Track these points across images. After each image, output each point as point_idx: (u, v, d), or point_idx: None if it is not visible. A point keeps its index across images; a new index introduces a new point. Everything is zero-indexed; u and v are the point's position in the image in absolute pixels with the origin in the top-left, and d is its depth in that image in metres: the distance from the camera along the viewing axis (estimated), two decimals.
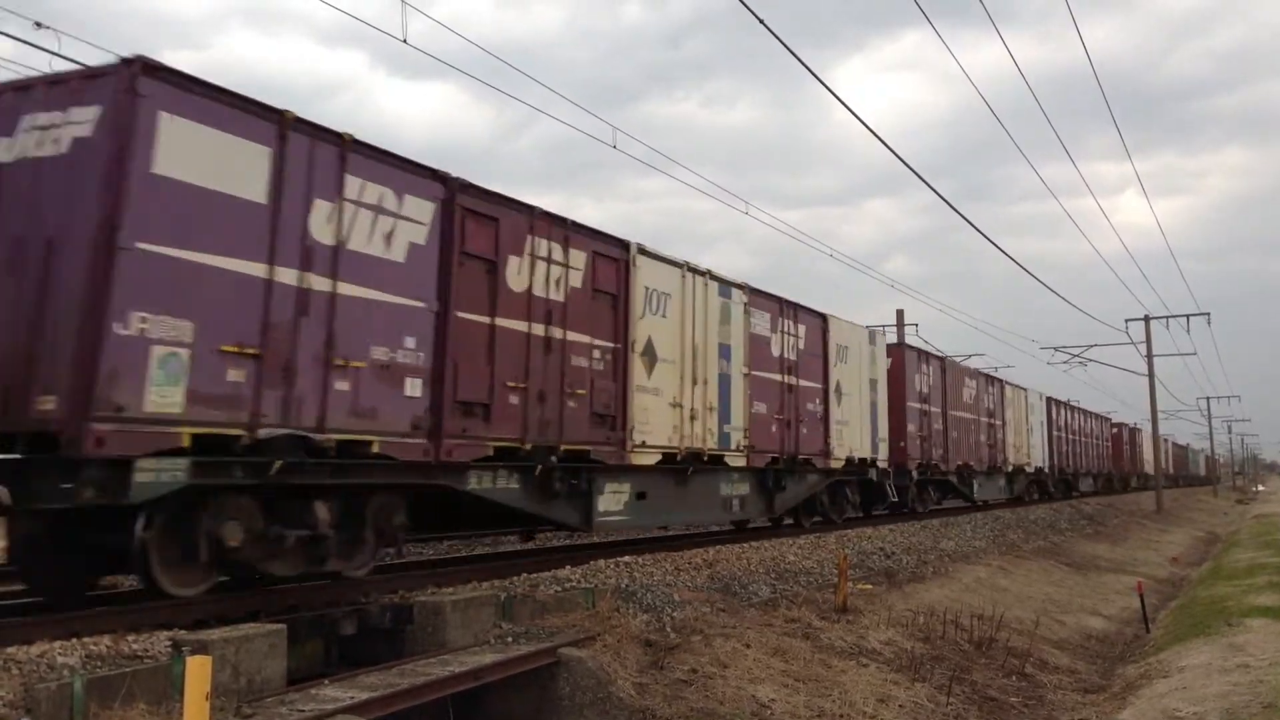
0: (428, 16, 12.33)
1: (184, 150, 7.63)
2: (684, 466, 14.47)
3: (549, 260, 11.75)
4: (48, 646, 6.31)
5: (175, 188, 7.56)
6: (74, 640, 6.53)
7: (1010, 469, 32.61)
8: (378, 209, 9.34)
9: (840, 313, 20.16)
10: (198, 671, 4.72)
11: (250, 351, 8.06)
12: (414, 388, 9.70)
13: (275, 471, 8.23)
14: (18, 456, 7.24)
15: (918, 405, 24.11)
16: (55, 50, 10.88)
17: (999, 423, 31.65)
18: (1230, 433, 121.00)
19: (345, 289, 8.92)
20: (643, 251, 13.62)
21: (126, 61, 7.43)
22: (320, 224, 8.75)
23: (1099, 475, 49.62)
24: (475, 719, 8.14)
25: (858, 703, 9.08)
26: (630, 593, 10.52)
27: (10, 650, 6.14)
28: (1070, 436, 42.53)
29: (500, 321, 10.87)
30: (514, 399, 11.01)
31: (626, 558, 12.37)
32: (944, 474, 25.77)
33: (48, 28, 11.19)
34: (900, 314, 38.48)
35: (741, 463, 15.97)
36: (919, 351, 25.84)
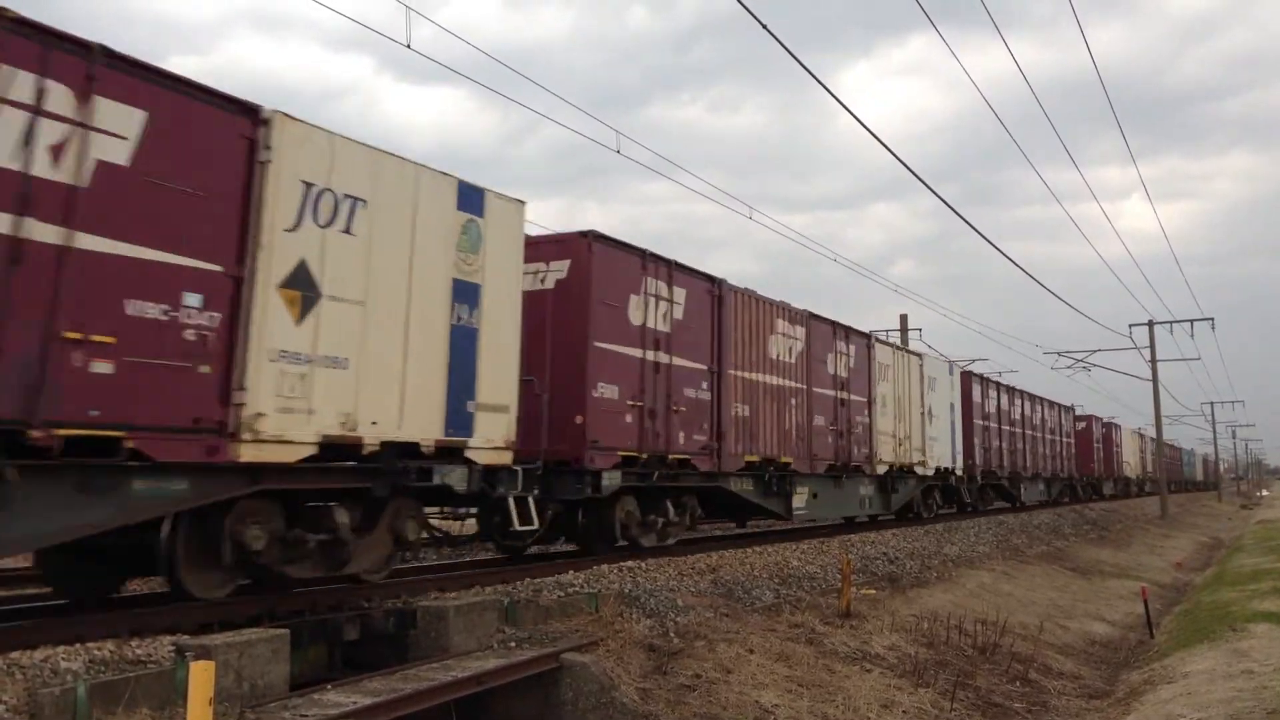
0: (432, 22, 12.35)
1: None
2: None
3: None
4: (51, 651, 6.31)
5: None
6: (77, 645, 6.54)
7: (884, 469, 22.16)
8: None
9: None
10: (201, 676, 4.72)
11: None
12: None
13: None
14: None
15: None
16: None
17: (858, 399, 21.00)
18: (1234, 438, 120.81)
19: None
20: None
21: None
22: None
23: (1054, 480, 39.82)
24: None
25: (861, 708, 9.06)
26: (633, 598, 10.51)
27: (14, 655, 6.15)
28: (1007, 429, 33.18)
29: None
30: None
31: (630, 563, 12.36)
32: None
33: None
34: (904, 319, 38.50)
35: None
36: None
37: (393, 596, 9.60)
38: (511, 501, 11.17)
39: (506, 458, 11.03)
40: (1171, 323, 46.16)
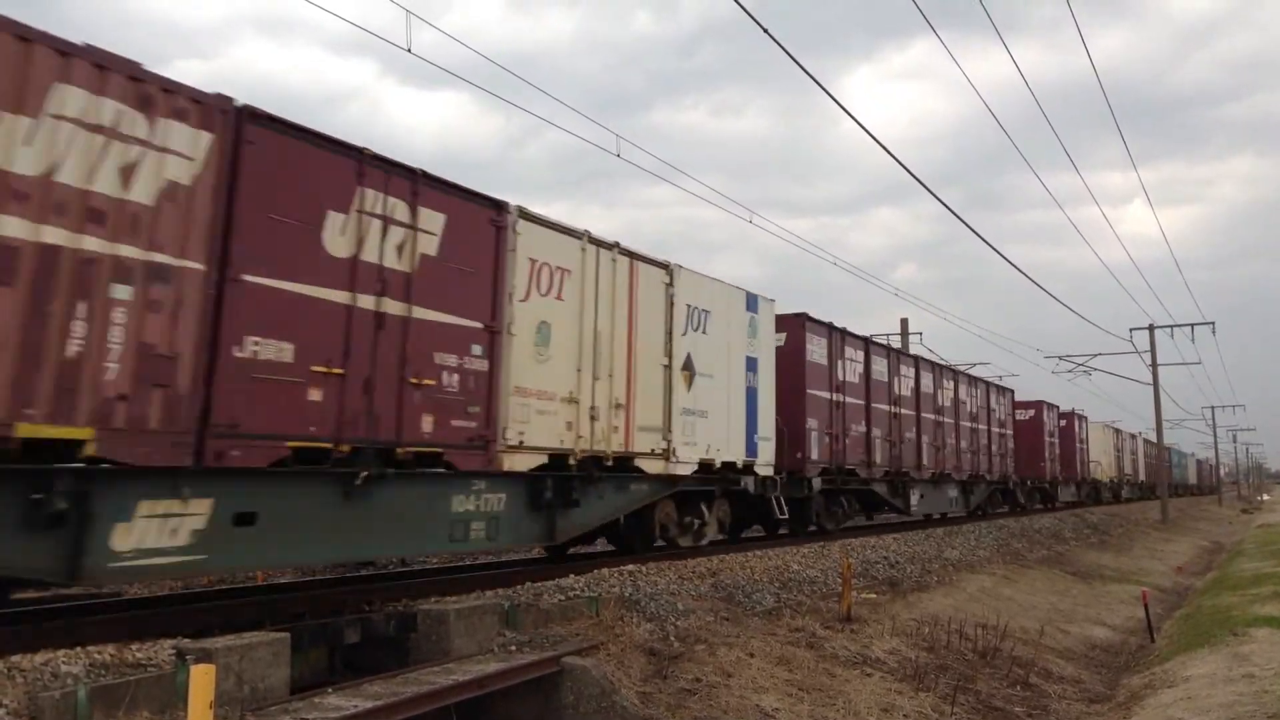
0: (434, 27, 12.37)
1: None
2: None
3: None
4: (52, 655, 6.32)
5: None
6: (78, 648, 6.54)
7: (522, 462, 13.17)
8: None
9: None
10: (201, 680, 4.72)
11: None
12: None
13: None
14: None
15: None
16: None
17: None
18: (1235, 442, 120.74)
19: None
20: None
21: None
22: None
23: (977, 482, 29.43)
24: None
25: (862, 712, 9.06)
26: (634, 601, 10.51)
27: (14, 658, 6.15)
28: (892, 412, 22.90)
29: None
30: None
31: (630, 566, 12.36)
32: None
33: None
34: (904, 322, 38.50)
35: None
36: None
37: (393, 600, 9.60)
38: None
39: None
40: (1172, 326, 46.10)
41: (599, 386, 12.54)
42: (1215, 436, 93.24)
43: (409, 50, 11.53)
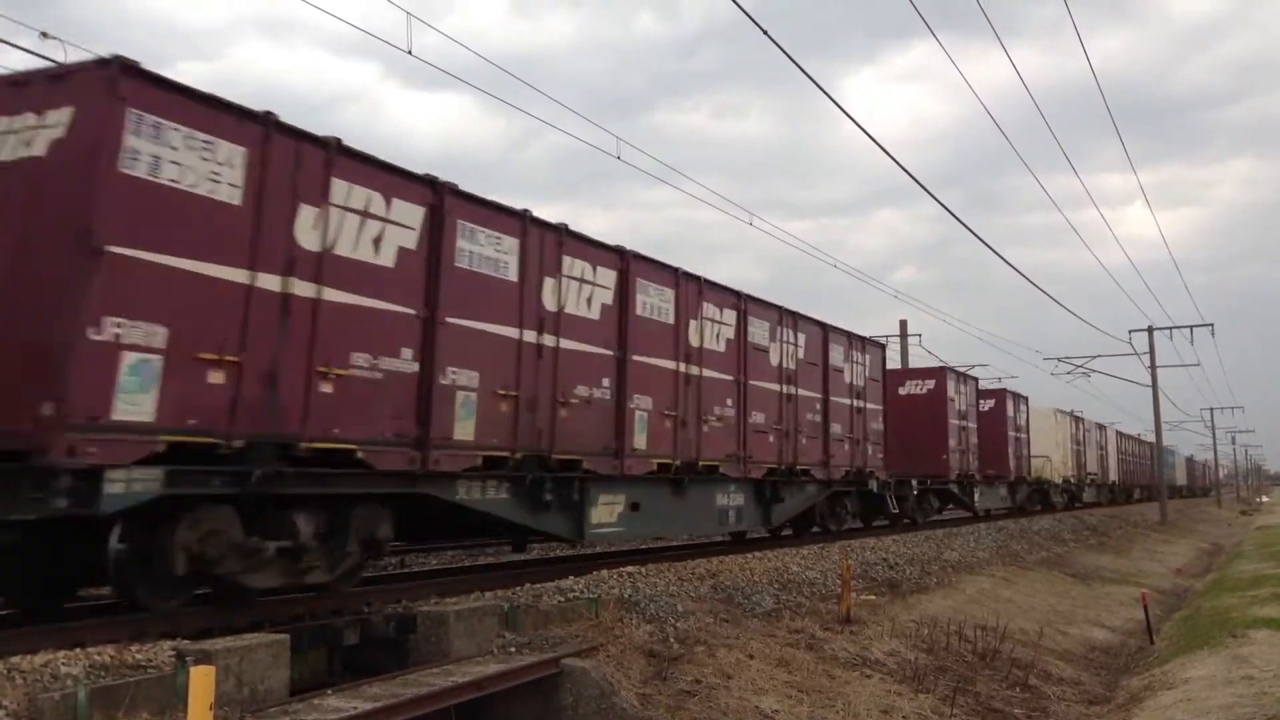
0: (435, 30, 12.38)
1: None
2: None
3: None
4: (51, 656, 6.31)
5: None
6: (78, 650, 6.54)
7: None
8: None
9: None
10: (201, 681, 4.72)
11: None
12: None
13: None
14: None
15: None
16: (61, 60, 10.93)
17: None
18: (1234, 444, 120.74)
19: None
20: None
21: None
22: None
23: (781, 479, 17.55)
24: None
25: (861, 714, 9.06)
26: (633, 603, 10.51)
27: (14, 659, 6.14)
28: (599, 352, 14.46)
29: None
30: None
31: (630, 568, 12.36)
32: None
33: (54, 38, 11.25)
34: (904, 324, 38.50)
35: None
36: None
37: (393, 601, 9.60)
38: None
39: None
40: (1171, 329, 46.13)
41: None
42: (1214, 438, 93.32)
43: (409, 52, 11.55)
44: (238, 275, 8.13)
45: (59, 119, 7.50)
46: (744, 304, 16.15)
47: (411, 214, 9.86)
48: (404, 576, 12.63)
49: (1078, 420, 43.41)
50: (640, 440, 13.25)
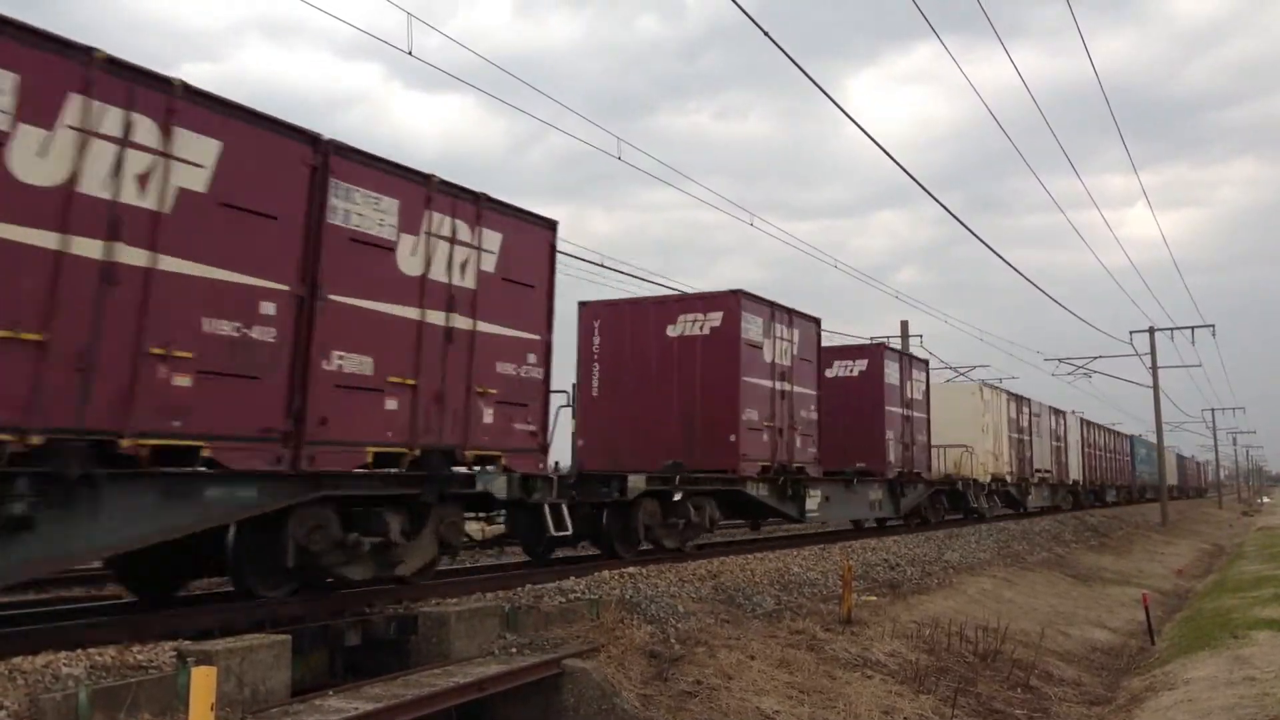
0: (438, 31, 12.39)
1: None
2: None
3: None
4: (53, 657, 6.32)
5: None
6: (79, 650, 6.54)
7: None
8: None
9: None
10: (202, 682, 4.73)
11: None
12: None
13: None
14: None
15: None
16: None
17: None
18: (1235, 445, 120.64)
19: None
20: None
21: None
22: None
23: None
24: None
25: (862, 715, 9.05)
26: (634, 604, 10.51)
27: (15, 660, 6.15)
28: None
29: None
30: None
31: (631, 569, 12.36)
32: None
33: None
34: (904, 324, 38.48)
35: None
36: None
37: (394, 602, 9.60)
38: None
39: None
40: (1172, 329, 46.05)
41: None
42: (1215, 439, 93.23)
43: (410, 53, 11.55)
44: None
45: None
46: None
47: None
48: (405, 577, 12.61)
49: (1019, 401, 33.59)
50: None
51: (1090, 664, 14.38)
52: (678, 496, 14.84)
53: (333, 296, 8.94)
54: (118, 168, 7.32)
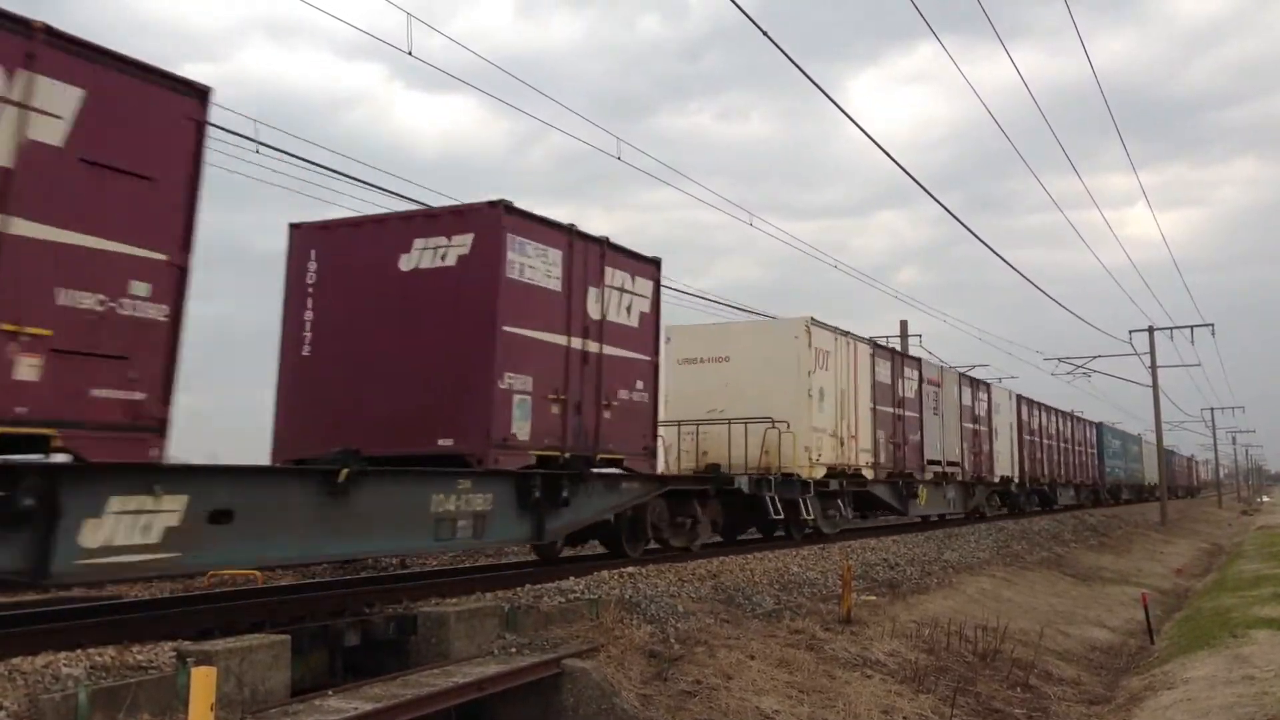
0: (439, 32, 12.39)
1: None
2: None
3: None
4: (52, 657, 6.32)
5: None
6: (79, 651, 6.54)
7: None
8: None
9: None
10: (202, 682, 4.73)
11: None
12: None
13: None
14: None
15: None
16: None
17: None
18: (1234, 444, 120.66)
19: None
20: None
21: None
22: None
23: None
24: None
25: (862, 714, 9.06)
26: (634, 604, 10.51)
27: (15, 660, 6.15)
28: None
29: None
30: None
31: (630, 569, 12.36)
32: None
33: None
34: (904, 324, 38.50)
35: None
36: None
37: (393, 602, 9.61)
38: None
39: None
40: (1172, 329, 46.05)
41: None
42: (1215, 438, 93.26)
43: (409, 53, 11.55)
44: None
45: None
46: None
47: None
48: (405, 577, 12.63)
49: (898, 360, 24.05)
50: None
51: (1089, 663, 14.39)
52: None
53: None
54: None
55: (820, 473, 18.86)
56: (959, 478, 27.31)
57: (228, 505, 7.91)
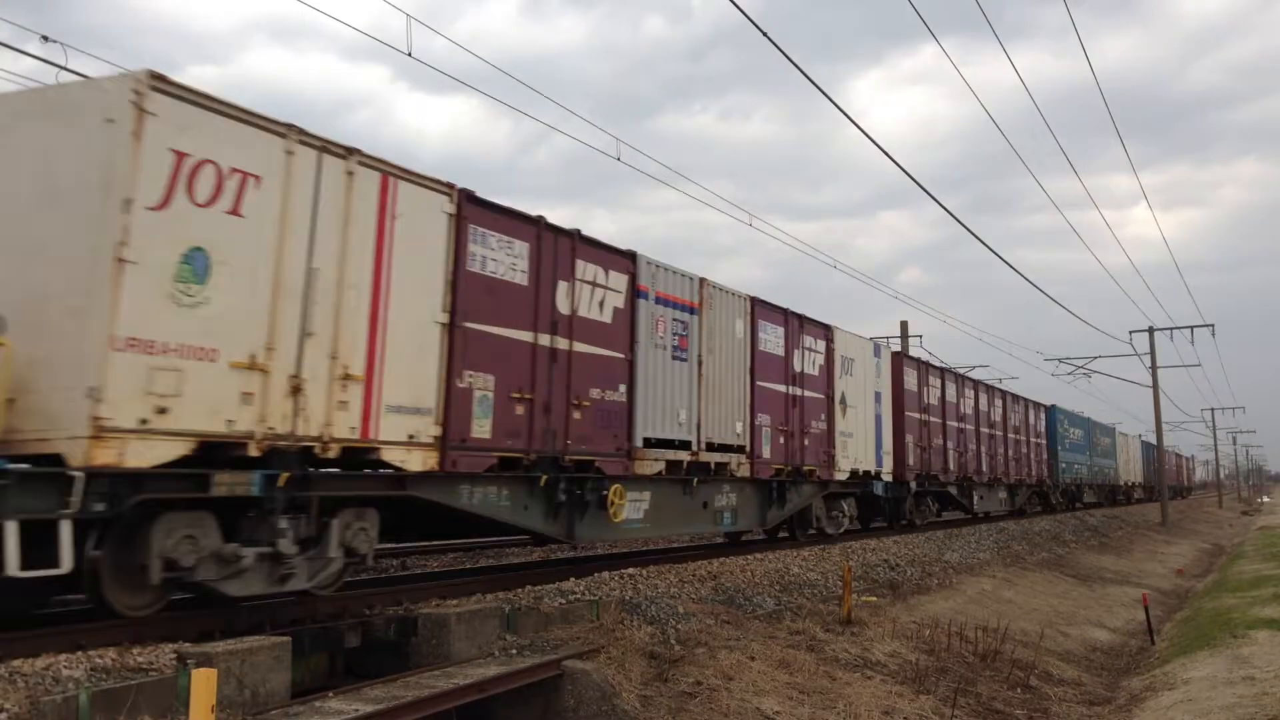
0: (441, 35, 12.40)
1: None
2: None
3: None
4: (53, 659, 6.33)
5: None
6: (79, 653, 6.55)
7: None
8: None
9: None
10: (203, 684, 4.73)
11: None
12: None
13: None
14: None
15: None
16: (63, 64, 10.89)
17: None
18: (1235, 444, 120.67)
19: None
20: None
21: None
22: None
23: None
24: None
25: (862, 715, 9.05)
26: (634, 605, 10.52)
27: (15, 663, 6.16)
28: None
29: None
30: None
31: (631, 570, 12.37)
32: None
33: (55, 41, 11.26)
34: (904, 325, 38.48)
35: None
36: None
37: (394, 604, 9.61)
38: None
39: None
40: (1172, 329, 46.00)
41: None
42: (1215, 438, 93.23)
43: (409, 54, 11.55)
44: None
45: None
46: None
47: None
48: (405, 579, 12.63)
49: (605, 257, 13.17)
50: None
51: (1090, 664, 14.38)
52: None
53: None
54: None
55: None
56: (736, 471, 15.70)
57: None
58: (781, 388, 17.26)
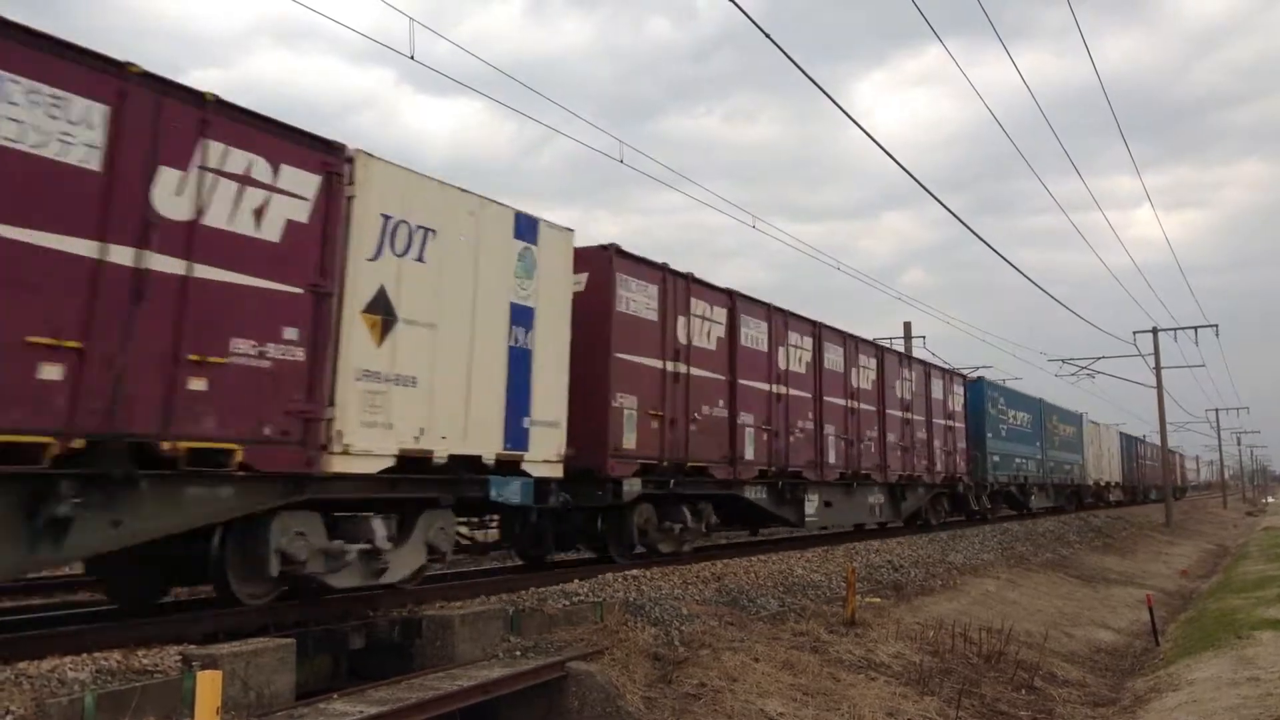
0: (443, 37, 12.42)
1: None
2: None
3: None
4: (58, 661, 6.34)
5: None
6: (84, 655, 6.56)
7: None
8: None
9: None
10: (208, 686, 4.75)
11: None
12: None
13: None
14: None
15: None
16: None
17: None
18: (1239, 445, 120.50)
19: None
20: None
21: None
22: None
23: None
24: None
25: (866, 716, 9.05)
26: (638, 606, 10.52)
27: (21, 665, 6.17)
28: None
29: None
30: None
31: (634, 571, 12.36)
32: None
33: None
34: (908, 326, 38.48)
35: None
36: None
37: (398, 606, 9.62)
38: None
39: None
40: (1175, 329, 45.92)
41: None
42: (1219, 439, 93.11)
43: (412, 57, 11.57)
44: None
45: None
46: None
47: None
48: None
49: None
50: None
51: (1094, 665, 14.36)
52: None
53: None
54: None
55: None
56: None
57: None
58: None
